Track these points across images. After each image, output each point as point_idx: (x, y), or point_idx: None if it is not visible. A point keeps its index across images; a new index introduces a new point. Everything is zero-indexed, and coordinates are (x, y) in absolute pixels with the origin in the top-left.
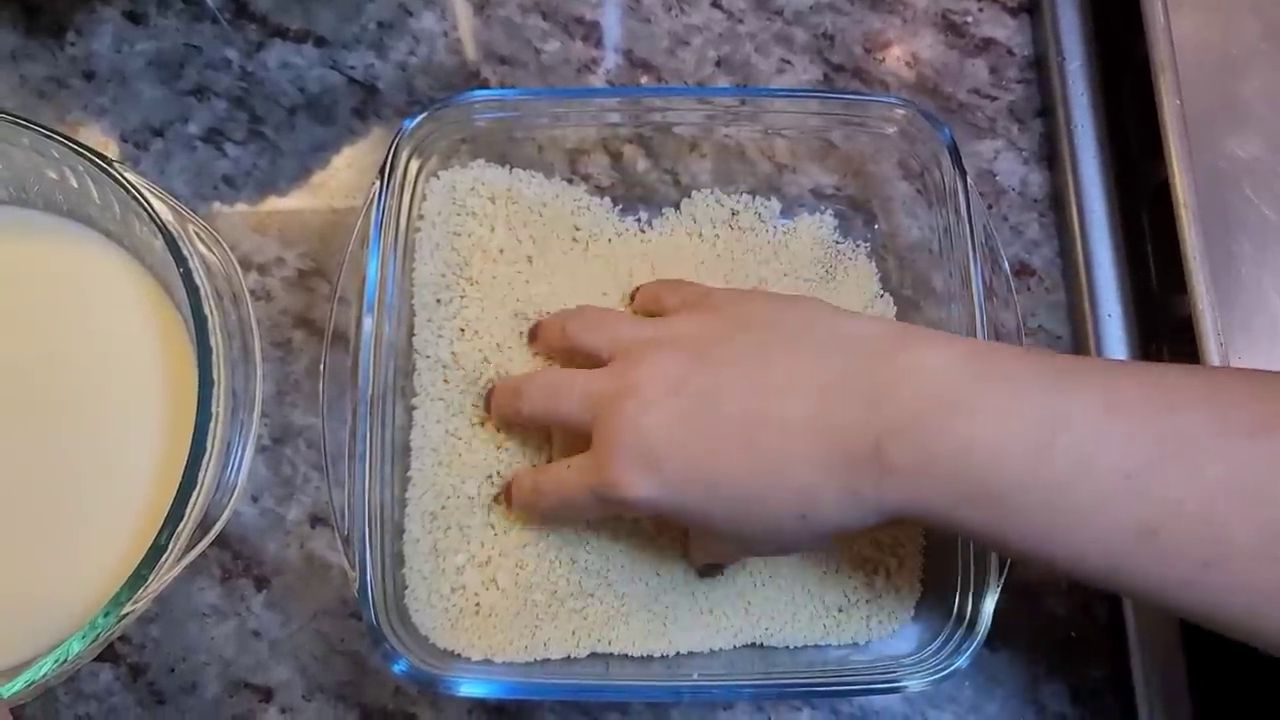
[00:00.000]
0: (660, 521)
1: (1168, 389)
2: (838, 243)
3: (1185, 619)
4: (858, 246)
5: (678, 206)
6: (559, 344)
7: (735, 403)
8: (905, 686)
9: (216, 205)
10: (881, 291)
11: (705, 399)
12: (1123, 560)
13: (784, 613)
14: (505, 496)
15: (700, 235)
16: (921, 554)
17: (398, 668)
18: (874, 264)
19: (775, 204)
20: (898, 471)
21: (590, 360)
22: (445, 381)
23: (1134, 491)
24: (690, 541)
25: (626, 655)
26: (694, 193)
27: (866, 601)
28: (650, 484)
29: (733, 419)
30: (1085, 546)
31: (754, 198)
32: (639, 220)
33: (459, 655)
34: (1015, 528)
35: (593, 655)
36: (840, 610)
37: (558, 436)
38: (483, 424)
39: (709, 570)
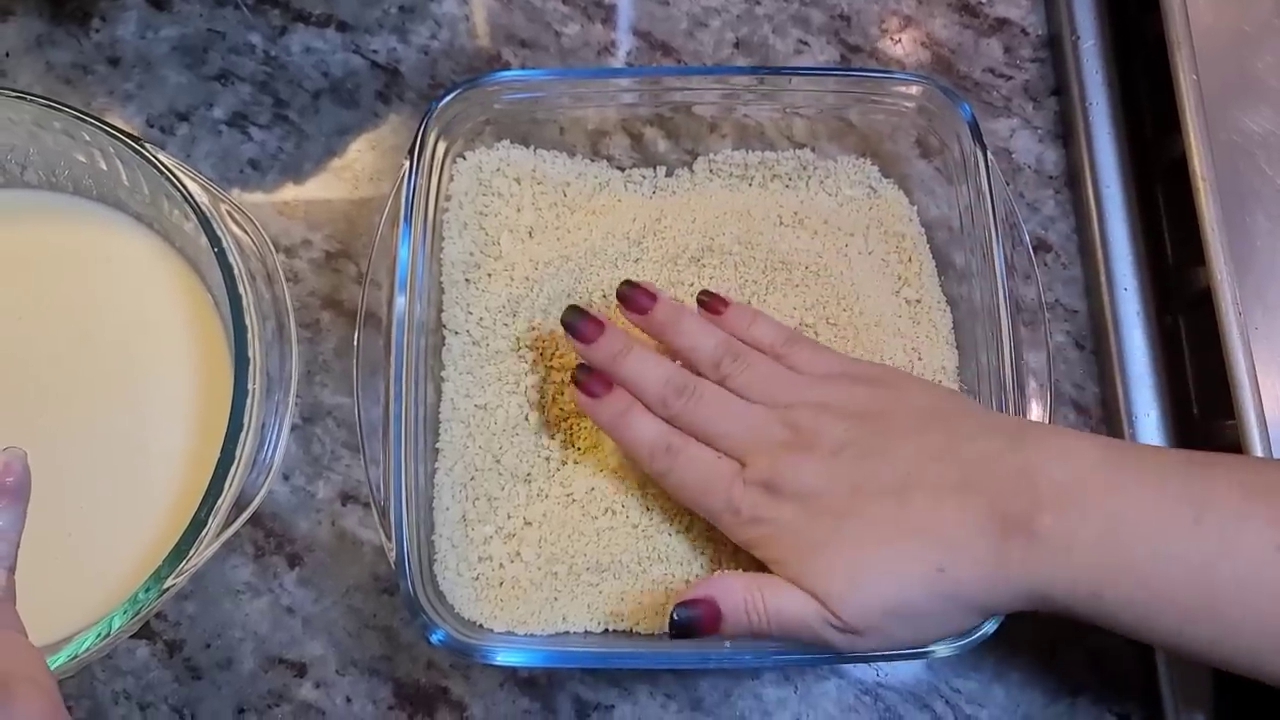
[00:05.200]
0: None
1: None
2: (872, 189)
3: None
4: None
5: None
6: (669, 338)
7: (894, 464)
8: (931, 652)
9: (242, 189)
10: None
11: (867, 459)
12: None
13: None
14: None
15: (724, 185)
16: None
17: (435, 638)
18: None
19: (808, 153)
20: (1047, 543)
21: (686, 357)
22: (473, 357)
23: None
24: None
25: (636, 633)
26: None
27: None
28: (803, 470)
29: (889, 478)
30: (1237, 620)
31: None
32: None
33: (482, 626)
34: (1162, 606)
35: (607, 632)
36: None
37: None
38: (510, 397)
39: (681, 630)
